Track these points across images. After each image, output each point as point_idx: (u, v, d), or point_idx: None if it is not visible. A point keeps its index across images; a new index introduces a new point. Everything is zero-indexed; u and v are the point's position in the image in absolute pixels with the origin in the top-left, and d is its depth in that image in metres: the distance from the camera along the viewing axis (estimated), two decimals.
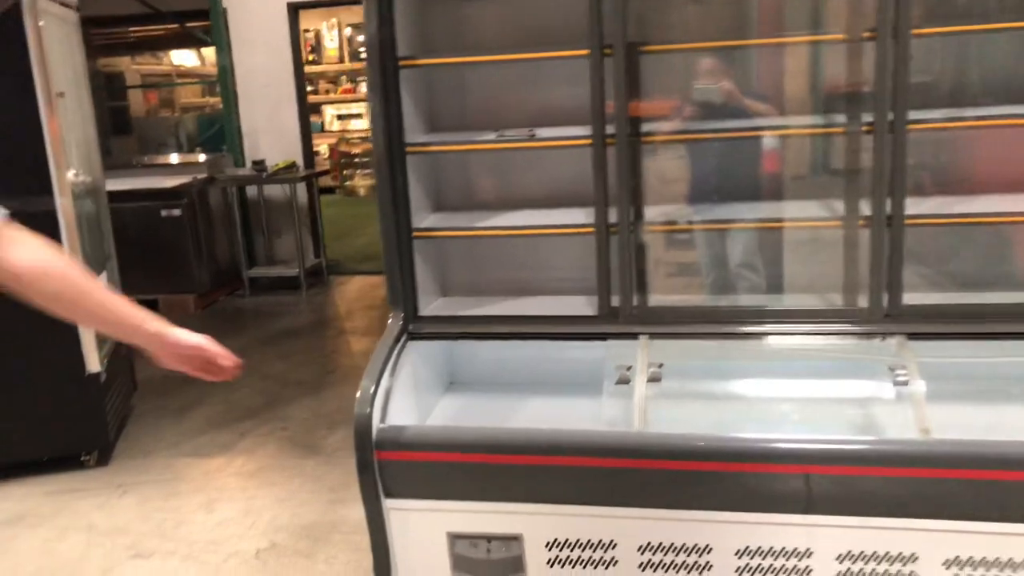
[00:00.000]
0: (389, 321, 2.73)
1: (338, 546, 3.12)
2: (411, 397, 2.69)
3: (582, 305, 2.75)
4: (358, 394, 2.48)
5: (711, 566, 2.39)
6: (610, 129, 2.50)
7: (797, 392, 2.56)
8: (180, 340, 1.66)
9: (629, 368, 2.44)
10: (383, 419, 2.48)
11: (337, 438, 4.01)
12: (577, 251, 2.87)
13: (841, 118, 2.50)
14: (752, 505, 2.31)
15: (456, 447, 2.43)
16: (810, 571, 2.34)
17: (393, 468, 2.44)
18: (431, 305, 2.89)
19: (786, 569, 2.36)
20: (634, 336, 2.56)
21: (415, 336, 2.74)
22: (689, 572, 2.41)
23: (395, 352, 2.63)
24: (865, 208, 2.42)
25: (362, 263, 8.04)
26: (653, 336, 2.54)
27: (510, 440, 2.41)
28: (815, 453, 2.23)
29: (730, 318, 2.54)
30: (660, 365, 2.42)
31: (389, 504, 2.49)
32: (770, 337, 2.49)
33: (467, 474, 2.44)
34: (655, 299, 2.64)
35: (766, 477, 2.28)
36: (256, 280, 7.14)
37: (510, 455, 2.39)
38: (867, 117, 2.39)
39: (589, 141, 2.54)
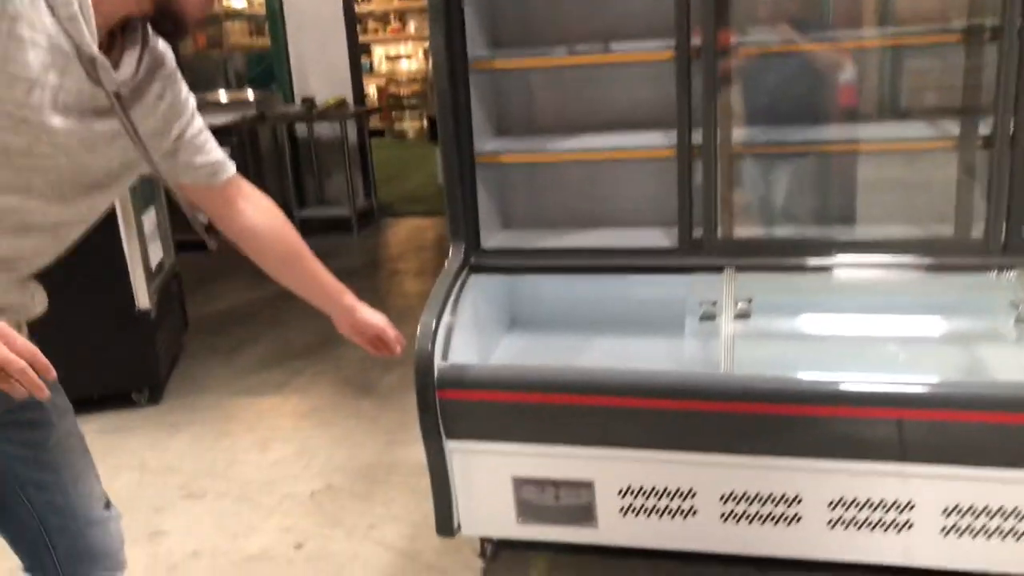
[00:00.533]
0: (449, 253, 2.55)
1: (396, 488, 2.99)
2: (473, 335, 2.52)
3: (658, 237, 2.54)
4: (418, 330, 2.32)
5: (800, 518, 2.20)
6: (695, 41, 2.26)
7: (901, 331, 2.33)
8: (366, 319, 1.76)
9: (714, 304, 2.23)
10: (445, 356, 2.31)
11: (393, 378, 3.88)
12: (650, 179, 2.65)
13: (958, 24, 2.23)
14: (849, 452, 2.11)
15: (524, 386, 2.25)
16: (911, 525, 2.14)
17: (456, 408, 2.28)
18: (493, 238, 2.69)
19: (884, 523, 2.16)
20: (718, 269, 2.35)
21: (477, 269, 2.55)
22: (776, 524, 2.23)
23: (456, 286, 2.45)
24: (983, 127, 2.17)
25: (412, 205, 7.89)
26: (740, 269, 2.33)
27: (584, 380, 2.22)
28: (923, 397, 2.02)
29: (825, 250, 2.31)
30: (749, 300, 2.20)
31: (451, 446, 2.34)
32: (870, 270, 2.26)
33: (536, 415, 2.27)
34: (741, 230, 2.41)
35: (865, 423, 2.07)
36: (307, 221, 6.99)
37: (584, 396, 2.21)
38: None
39: (671, 54, 2.30)
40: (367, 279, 5.62)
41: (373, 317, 1.77)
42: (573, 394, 2.22)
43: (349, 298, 1.74)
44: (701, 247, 2.38)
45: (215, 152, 1.52)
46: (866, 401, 2.05)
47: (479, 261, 2.56)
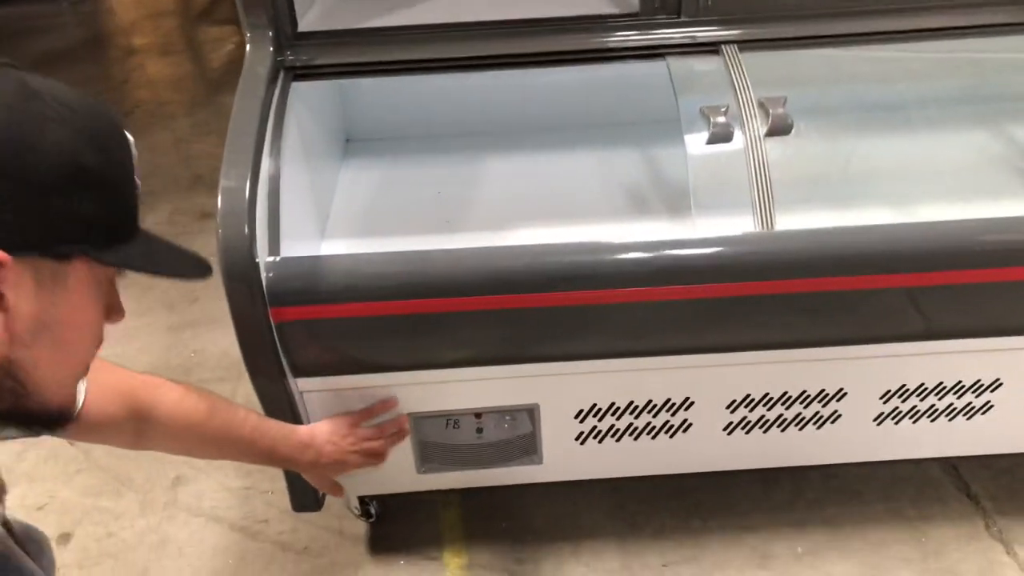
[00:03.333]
0: (248, 49, 1.44)
1: None
2: (304, 188, 1.51)
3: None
4: (219, 202, 1.26)
5: (838, 417, 1.51)
6: None
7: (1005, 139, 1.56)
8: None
9: (725, 110, 1.33)
10: (275, 246, 1.30)
11: (159, 216, 2.75)
12: None
13: None
14: (927, 331, 1.39)
15: (419, 288, 1.31)
16: (990, 406, 1.51)
17: (305, 332, 1.32)
18: (308, 13, 1.60)
19: (954, 408, 1.51)
20: (713, 49, 1.43)
21: (300, 73, 1.48)
22: (802, 427, 1.53)
23: (272, 109, 1.39)
24: None
25: None
26: (744, 47, 1.43)
27: (525, 265, 1.30)
28: None
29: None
30: (784, 101, 1.33)
31: (304, 385, 1.40)
32: (955, 37, 1.43)
33: (443, 327, 1.35)
34: None
35: (963, 289, 1.34)
36: None
37: (526, 294, 1.31)
38: None
39: None
40: (93, 65, 4.14)
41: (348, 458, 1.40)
42: (506, 293, 1.31)
43: (308, 453, 1.36)
44: (678, 10, 1.44)
45: None
46: (975, 261, 1.30)
47: (298, 57, 1.48)
